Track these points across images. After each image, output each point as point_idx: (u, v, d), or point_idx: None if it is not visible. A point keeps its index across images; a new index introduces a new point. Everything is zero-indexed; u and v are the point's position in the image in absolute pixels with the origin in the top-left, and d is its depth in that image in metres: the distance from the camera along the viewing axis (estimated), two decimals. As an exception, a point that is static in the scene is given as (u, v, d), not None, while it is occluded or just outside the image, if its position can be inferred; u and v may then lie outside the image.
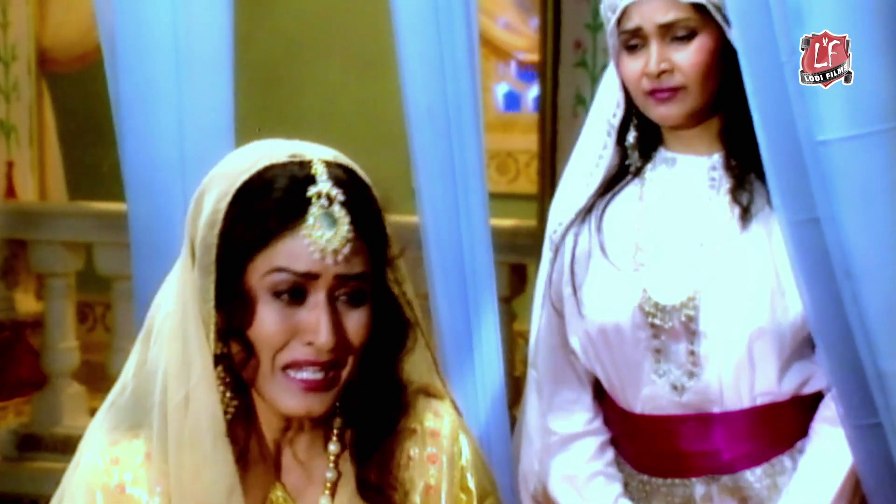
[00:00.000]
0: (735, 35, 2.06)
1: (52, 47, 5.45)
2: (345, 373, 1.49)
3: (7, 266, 5.14)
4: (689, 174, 2.19)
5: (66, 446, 4.63)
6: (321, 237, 1.46)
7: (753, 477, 2.16)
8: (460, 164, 2.30)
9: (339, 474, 1.56)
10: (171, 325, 1.51)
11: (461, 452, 1.58)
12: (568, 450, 2.26)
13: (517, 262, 4.39)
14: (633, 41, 2.14)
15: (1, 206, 5.12)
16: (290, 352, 1.47)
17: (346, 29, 6.45)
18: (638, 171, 2.23)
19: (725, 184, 2.17)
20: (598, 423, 2.27)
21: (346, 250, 1.46)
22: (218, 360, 1.50)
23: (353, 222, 1.47)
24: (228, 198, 1.48)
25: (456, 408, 1.63)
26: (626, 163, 2.23)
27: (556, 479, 2.27)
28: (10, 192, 5.20)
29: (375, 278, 1.51)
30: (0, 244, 5.10)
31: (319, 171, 1.49)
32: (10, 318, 5.17)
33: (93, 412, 1.60)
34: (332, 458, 1.56)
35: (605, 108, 2.25)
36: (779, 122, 2.02)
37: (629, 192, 2.22)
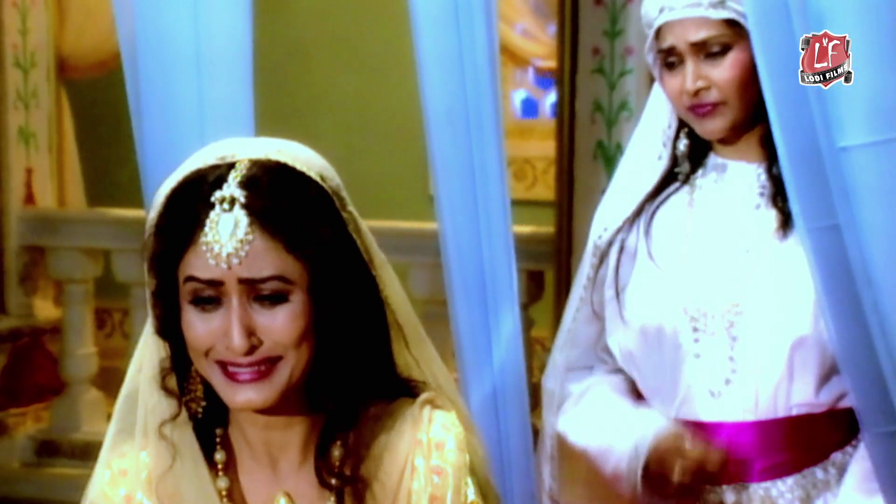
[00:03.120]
0: (755, 42, 2.05)
1: (72, 54, 5.45)
2: (287, 366, 1.48)
3: (26, 272, 5.15)
4: (739, 181, 2.19)
5: (85, 452, 4.65)
6: (215, 243, 1.45)
7: (785, 486, 2.15)
8: (480, 170, 2.29)
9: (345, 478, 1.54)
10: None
11: (467, 466, 1.56)
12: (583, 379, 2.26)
13: (535, 268, 4.39)
14: (671, 59, 2.16)
15: (20, 213, 5.12)
16: (216, 354, 1.48)
17: (365, 34, 6.45)
18: (687, 178, 2.24)
19: (771, 191, 2.17)
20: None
21: (244, 254, 1.44)
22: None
23: (255, 224, 1.45)
24: (158, 209, 1.50)
25: (462, 418, 1.60)
26: (676, 170, 2.24)
27: (571, 402, 2.25)
28: (30, 198, 5.19)
29: (320, 272, 1.47)
30: (19, 251, 5.10)
31: (233, 173, 1.47)
32: (29, 324, 5.17)
33: (111, 418, 1.62)
34: (336, 462, 1.54)
35: (659, 118, 2.26)
36: (799, 128, 2.02)
37: (679, 198, 2.23)
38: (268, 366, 1.47)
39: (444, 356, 3.79)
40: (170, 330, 1.52)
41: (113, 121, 4.31)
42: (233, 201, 1.45)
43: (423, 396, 1.58)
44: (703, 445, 2.11)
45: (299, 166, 1.50)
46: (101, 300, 5.27)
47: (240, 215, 1.45)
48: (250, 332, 1.46)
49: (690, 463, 2.10)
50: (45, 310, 5.20)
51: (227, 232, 1.44)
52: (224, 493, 1.54)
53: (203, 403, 1.54)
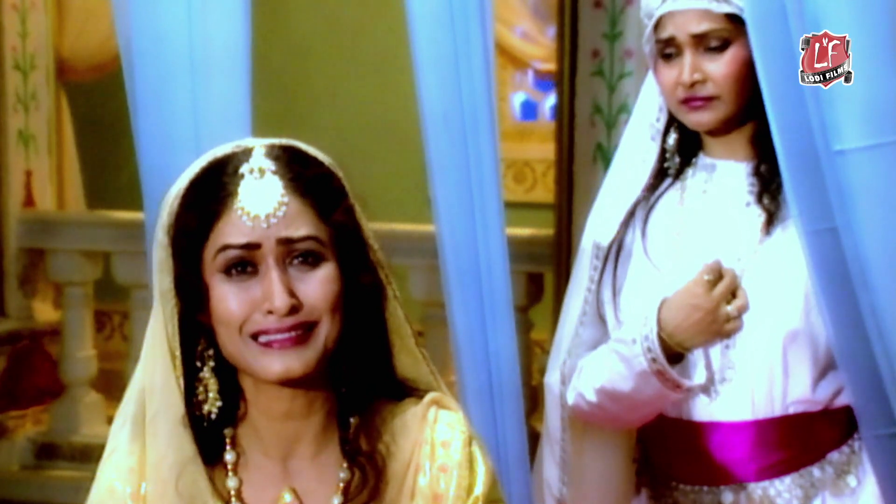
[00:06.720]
0: (754, 45, 2.05)
1: (71, 57, 5.46)
2: (322, 332, 1.51)
3: (25, 275, 5.15)
4: (729, 180, 2.20)
5: (84, 455, 4.65)
6: (252, 205, 1.50)
7: (783, 486, 2.16)
8: (476, 173, 2.30)
9: (353, 473, 1.56)
10: (149, 329, 1.58)
11: (472, 464, 1.58)
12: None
13: (534, 270, 4.39)
14: (668, 50, 2.15)
15: (19, 216, 5.13)
16: (253, 324, 1.50)
17: (362, 37, 6.45)
18: (678, 175, 2.24)
19: (758, 189, 2.17)
20: None
21: (282, 214, 1.50)
22: (203, 361, 1.55)
23: (288, 188, 1.51)
24: (179, 199, 1.54)
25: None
26: (665, 165, 2.24)
27: (576, 374, 2.24)
28: (29, 201, 5.20)
29: (344, 248, 1.53)
30: (18, 253, 5.10)
31: (256, 151, 1.53)
32: (28, 326, 5.17)
33: (110, 420, 1.63)
34: (344, 457, 1.56)
35: (648, 112, 2.26)
36: (796, 131, 2.02)
37: (670, 197, 2.23)
38: (304, 332, 1.50)
39: (444, 358, 3.80)
40: (192, 319, 1.54)
41: (112, 123, 4.31)
42: (262, 171, 1.51)
43: (430, 397, 1.61)
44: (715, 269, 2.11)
45: (312, 152, 1.57)
46: (101, 302, 5.27)
47: (273, 180, 1.51)
48: (291, 293, 1.49)
49: (710, 300, 2.10)
50: (44, 312, 5.20)
51: (262, 195, 1.50)
52: (234, 492, 1.56)
53: (218, 404, 1.55)
